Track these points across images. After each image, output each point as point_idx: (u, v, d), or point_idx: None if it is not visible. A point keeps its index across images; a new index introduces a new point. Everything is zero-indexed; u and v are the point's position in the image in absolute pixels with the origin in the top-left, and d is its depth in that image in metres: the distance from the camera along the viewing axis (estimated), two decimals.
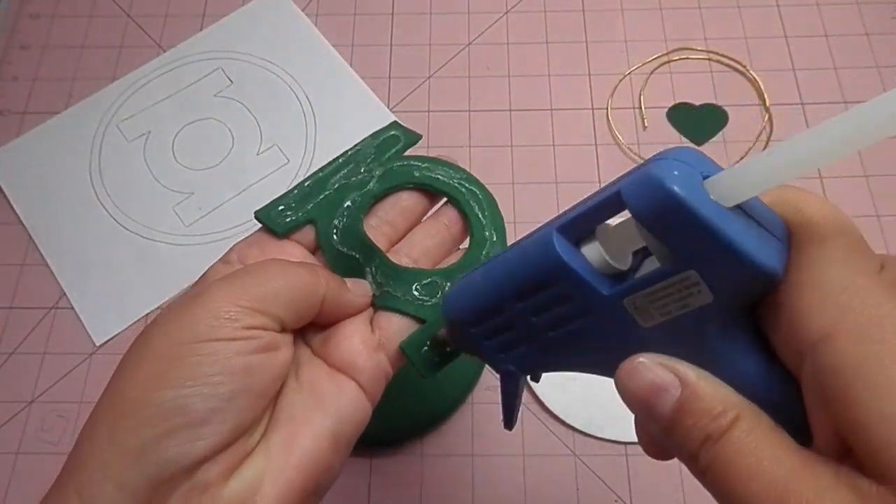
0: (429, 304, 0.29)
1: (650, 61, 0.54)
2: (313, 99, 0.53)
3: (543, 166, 0.50)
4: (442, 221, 0.33)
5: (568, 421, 0.42)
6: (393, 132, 0.34)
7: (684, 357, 0.20)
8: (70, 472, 0.22)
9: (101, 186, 0.50)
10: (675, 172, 0.18)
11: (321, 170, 0.32)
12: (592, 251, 0.20)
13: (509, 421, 0.28)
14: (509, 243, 0.50)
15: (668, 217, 0.17)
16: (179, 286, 0.47)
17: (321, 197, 0.31)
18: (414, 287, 0.30)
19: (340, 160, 0.33)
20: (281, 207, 0.31)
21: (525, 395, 0.43)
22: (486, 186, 0.33)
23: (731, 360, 0.19)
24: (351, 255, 0.30)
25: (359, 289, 0.29)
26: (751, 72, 0.52)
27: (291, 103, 0.53)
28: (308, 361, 0.28)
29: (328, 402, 0.26)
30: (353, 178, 0.32)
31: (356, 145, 0.33)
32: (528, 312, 0.22)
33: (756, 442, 0.18)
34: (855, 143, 0.16)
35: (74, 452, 0.23)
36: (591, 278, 0.20)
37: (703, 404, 0.19)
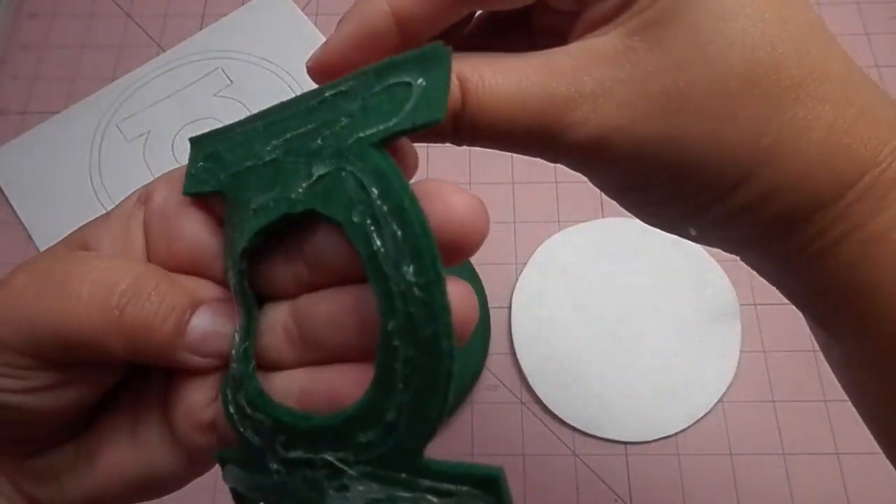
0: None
1: None
2: None
3: (543, 166, 0.49)
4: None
5: (568, 421, 0.42)
6: (409, 79, 0.17)
7: None
8: None
9: (101, 186, 0.50)
10: None
11: (277, 111, 0.20)
12: None
13: None
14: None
15: None
16: None
17: (245, 165, 0.20)
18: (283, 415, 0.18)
19: (310, 104, 0.19)
20: (209, 152, 0.21)
21: (525, 395, 0.43)
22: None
23: None
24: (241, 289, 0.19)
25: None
26: None
27: None
28: (147, 404, 0.21)
29: (144, 454, 0.21)
30: (295, 157, 0.19)
31: (351, 78, 0.19)
32: None
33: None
34: None
35: None
36: None
37: None
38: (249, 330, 0.19)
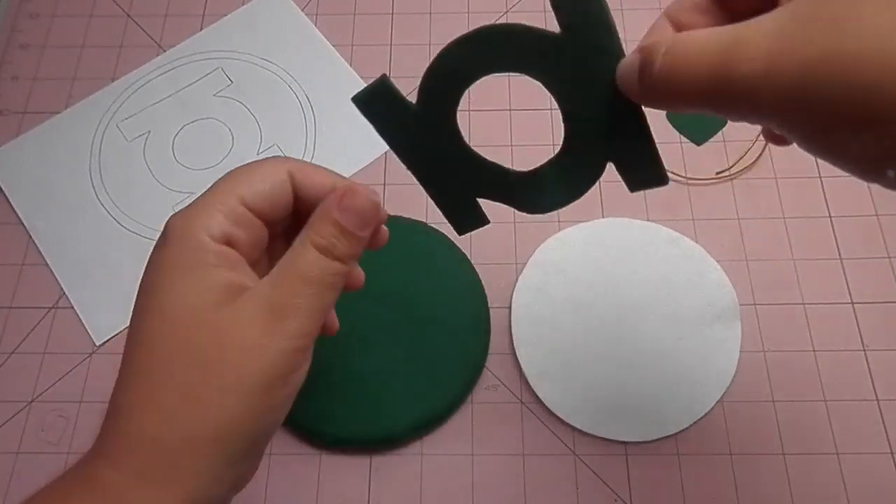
0: None
1: None
2: (313, 99, 0.53)
3: None
4: None
5: (568, 421, 0.42)
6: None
7: None
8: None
9: (101, 186, 0.50)
10: None
11: None
12: None
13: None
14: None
15: None
16: None
17: None
18: None
19: None
20: None
21: (525, 395, 0.43)
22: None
23: None
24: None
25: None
26: None
27: (291, 103, 0.53)
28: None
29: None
30: None
31: None
32: None
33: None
34: None
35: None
36: None
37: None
38: None
